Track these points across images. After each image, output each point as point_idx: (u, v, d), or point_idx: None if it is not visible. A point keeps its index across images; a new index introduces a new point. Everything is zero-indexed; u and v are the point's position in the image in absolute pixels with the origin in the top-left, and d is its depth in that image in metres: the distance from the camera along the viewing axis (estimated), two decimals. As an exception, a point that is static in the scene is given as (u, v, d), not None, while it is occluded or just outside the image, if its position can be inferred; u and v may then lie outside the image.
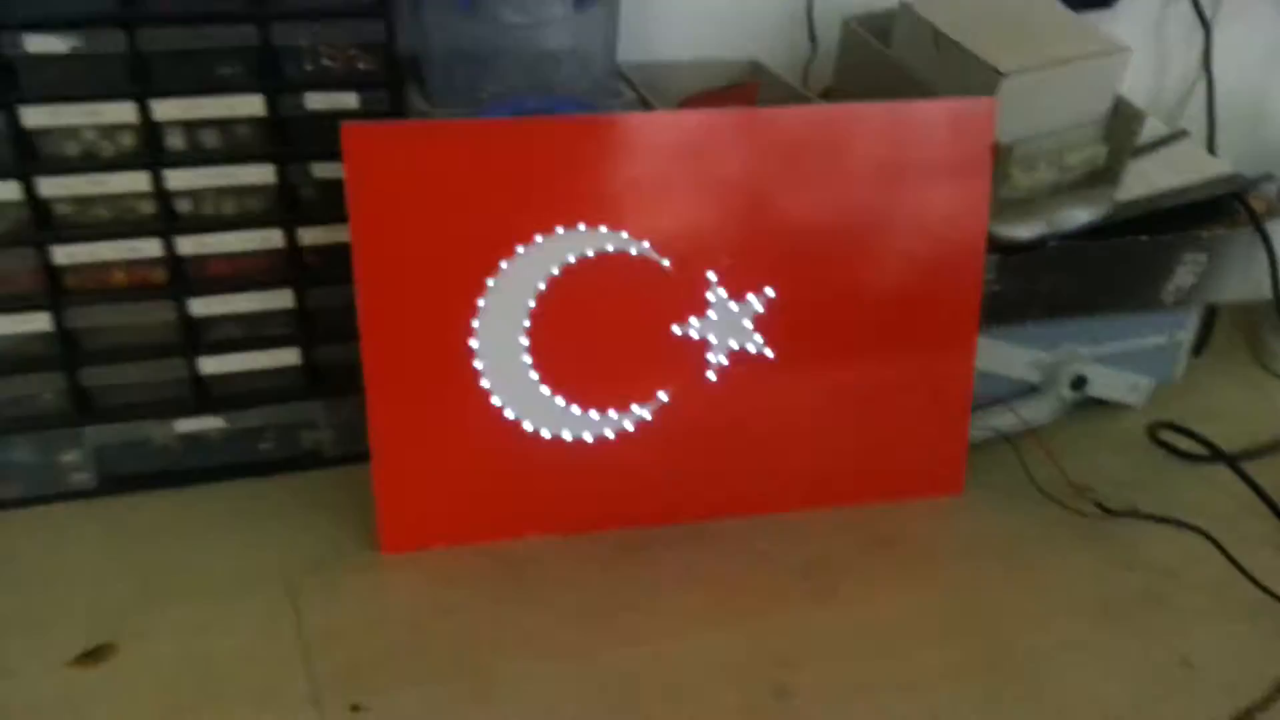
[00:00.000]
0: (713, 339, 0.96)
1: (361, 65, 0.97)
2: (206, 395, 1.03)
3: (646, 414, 0.97)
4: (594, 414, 0.96)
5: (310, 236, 1.01)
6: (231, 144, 0.97)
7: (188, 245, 0.98)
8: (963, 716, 0.80)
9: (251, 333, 1.03)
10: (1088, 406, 1.19)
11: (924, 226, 0.98)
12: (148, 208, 0.96)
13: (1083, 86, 1.03)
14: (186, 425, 1.03)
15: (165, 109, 0.93)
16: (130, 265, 0.97)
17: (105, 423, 1.01)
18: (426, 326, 0.92)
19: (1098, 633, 0.88)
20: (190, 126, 0.95)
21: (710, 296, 0.95)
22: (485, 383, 0.94)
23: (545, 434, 0.96)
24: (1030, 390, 1.17)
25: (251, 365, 1.03)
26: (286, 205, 0.99)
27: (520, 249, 0.91)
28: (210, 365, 1.02)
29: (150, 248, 0.97)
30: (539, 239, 0.91)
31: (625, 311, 0.95)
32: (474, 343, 0.92)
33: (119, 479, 1.03)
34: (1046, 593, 0.93)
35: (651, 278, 0.94)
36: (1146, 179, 1.12)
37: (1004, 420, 1.14)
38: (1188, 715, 0.80)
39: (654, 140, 0.91)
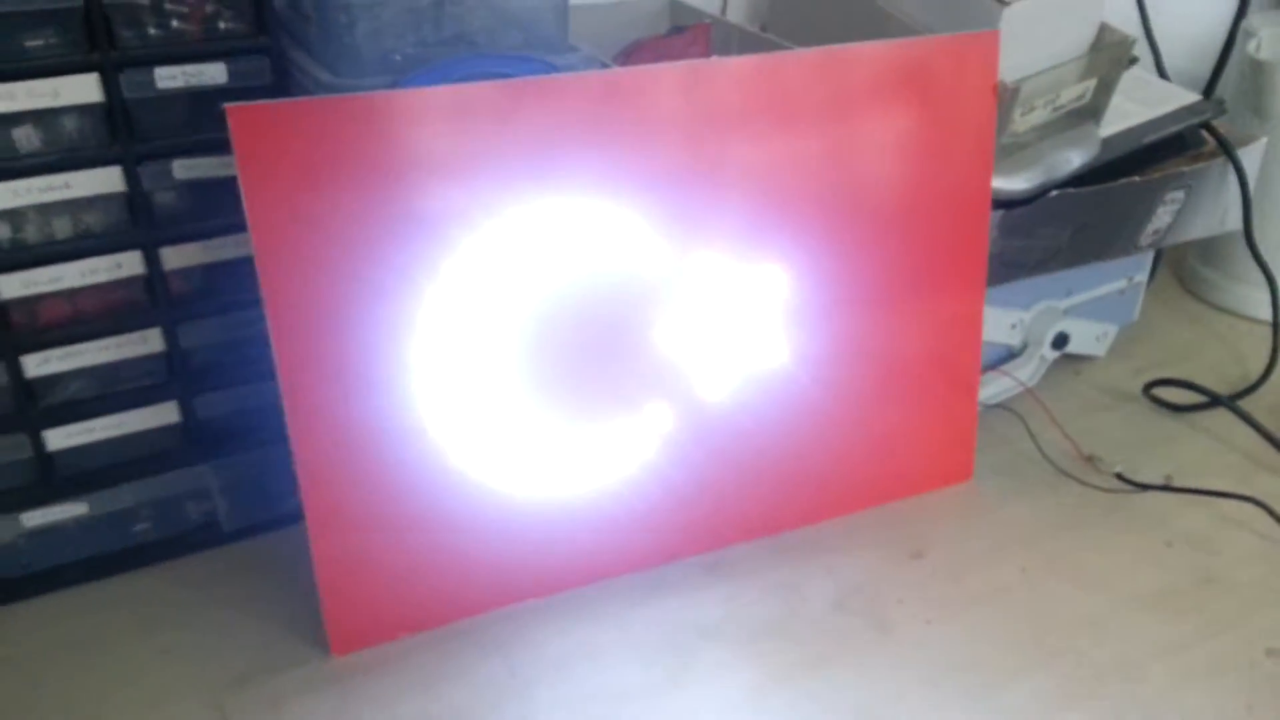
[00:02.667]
0: (713, 338, 0.80)
1: (224, 25, 0.74)
2: (59, 477, 0.78)
3: (642, 450, 0.80)
4: (574, 463, 0.78)
5: (177, 257, 0.77)
6: (58, 142, 0.71)
7: (11, 285, 0.72)
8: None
9: (110, 389, 0.79)
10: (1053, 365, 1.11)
11: (928, 183, 0.85)
12: (-53, 239, 0.71)
13: (1079, 12, 0.92)
14: (36, 518, 0.78)
15: (-42, 101, 0.68)
16: (-67, 320, 0.71)
17: (-77, 532, 0.75)
18: (362, 360, 0.70)
19: (1174, 630, 0.79)
20: (-3, 123, 0.70)
21: (708, 287, 0.78)
22: (436, 435, 0.74)
23: (519, 494, 0.77)
24: (1009, 355, 1.07)
25: (115, 431, 0.79)
26: (141, 219, 0.75)
27: (466, 244, 0.71)
28: (59, 438, 0.77)
29: (-42, 293, 0.71)
30: (489, 229, 0.71)
31: (608, 318, 0.77)
32: (416, 379, 0.72)
33: (-48, 601, 0.78)
34: (1101, 587, 0.83)
35: (638, 270, 0.76)
36: (1118, 113, 1.03)
37: (993, 390, 1.04)
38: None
39: (628, 102, 0.72)
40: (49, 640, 0.77)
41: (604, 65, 0.79)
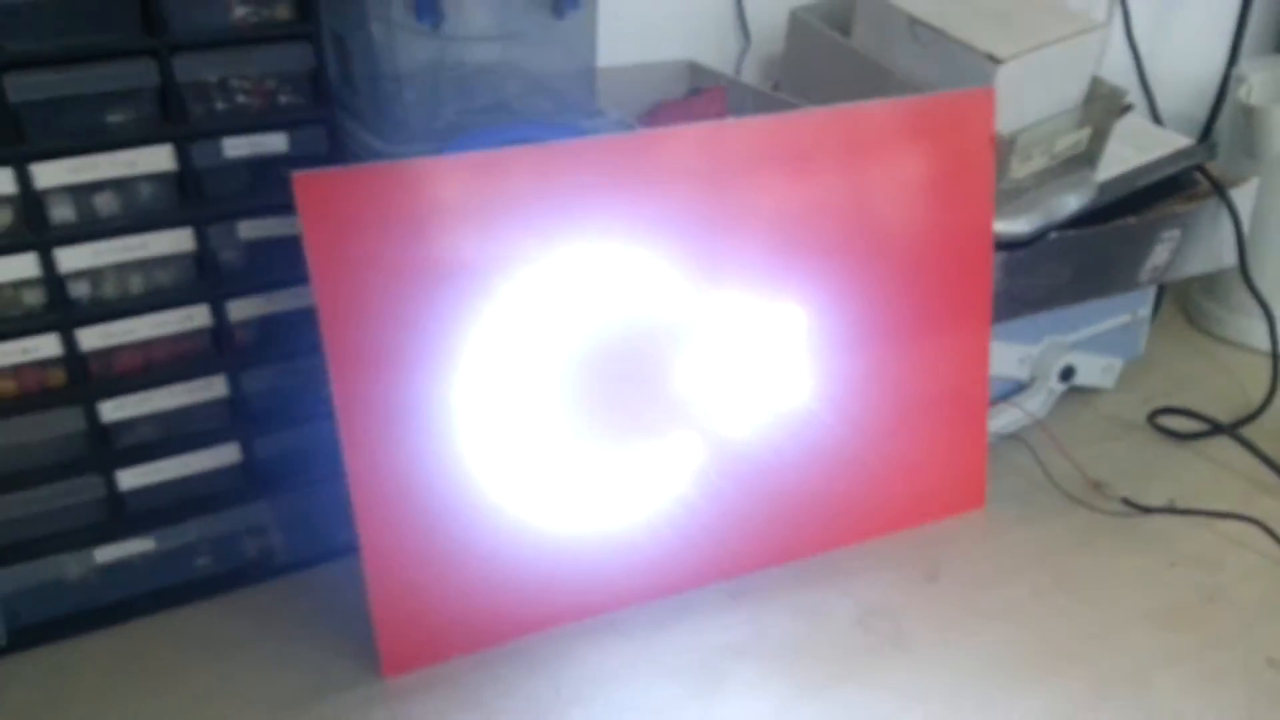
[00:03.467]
0: (737, 376, 0.86)
1: (284, 99, 0.81)
2: (129, 514, 0.85)
3: (671, 482, 0.85)
4: (609, 496, 0.84)
5: (240, 310, 0.84)
6: (135, 207, 0.79)
7: (91, 338, 0.79)
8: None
9: (177, 432, 0.85)
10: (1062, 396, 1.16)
11: (934, 229, 0.91)
12: (35, 296, 0.77)
13: (1069, 67, 0.98)
14: (108, 553, 0.85)
15: (48, 173, 0.75)
16: (20, 369, 0.78)
17: (8, 564, 0.81)
18: (413, 400, 0.77)
19: (1178, 643, 0.83)
20: (81, 191, 0.77)
21: (731, 329, 0.84)
22: (482, 471, 0.80)
23: (558, 525, 0.83)
24: (1018, 388, 1.12)
25: (181, 471, 0.85)
26: (209, 275, 0.82)
27: (506, 292, 0.77)
28: (131, 478, 0.83)
29: (45, 345, 0.78)
30: (527, 278, 0.77)
31: (638, 360, 0.83)
32: (463, 419, 0.78)
33: (32, 630, 0.84)
34: (1108, 605, 0.87)
35: (666, 314, 0.82)
36: (1114, 158, 1.09)
37: (1003, 421, 1.09)
38: (1300, 723, 0.76)
39: (653, 160, 0.79)
40: (118, 668, 0.83)
41: (629, 127, 0.85)
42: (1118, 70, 1.12)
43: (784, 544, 0.92)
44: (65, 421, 0.80)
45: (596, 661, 0.82)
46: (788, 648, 0.83)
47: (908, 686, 0.79)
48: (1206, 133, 1.40)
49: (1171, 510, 0.97)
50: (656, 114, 0.96)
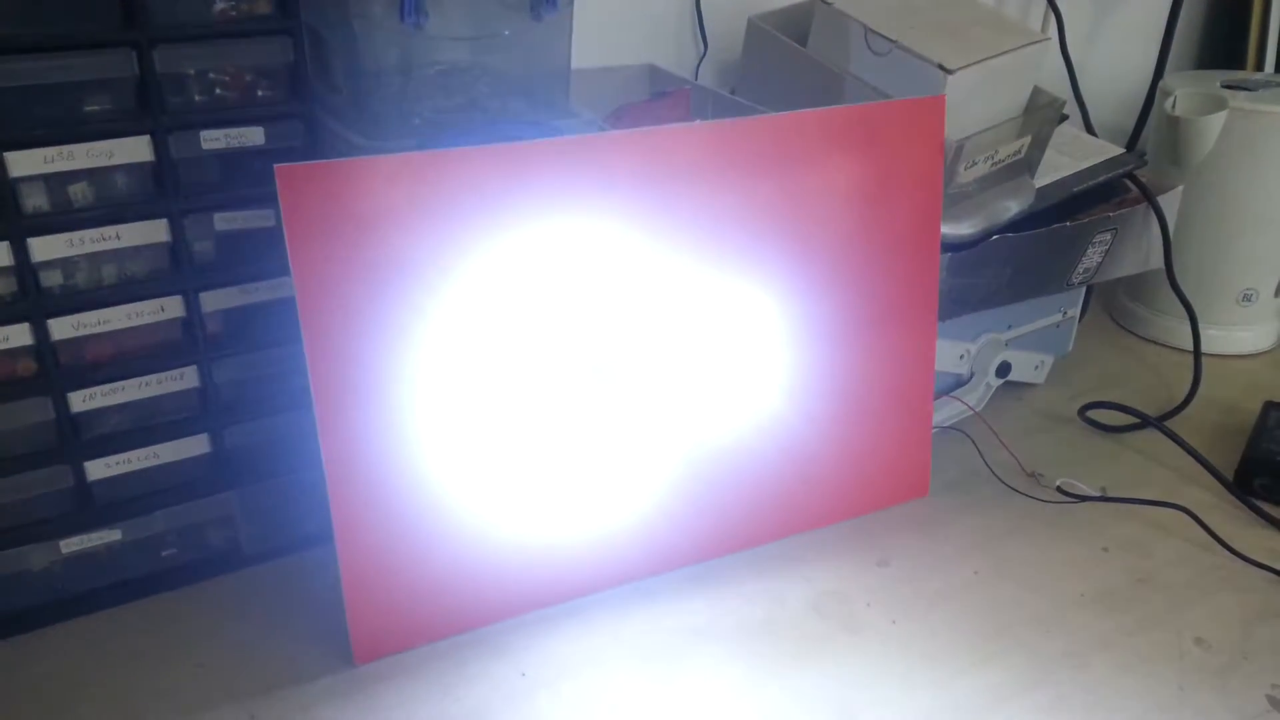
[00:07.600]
0: (698, 371, 0.89)
1: (262, 92, 0.82)
2: (97, 505, 0.85)
3: (633, 471, 0.88)
4: (573, 484, 0.87)
5: (213, 301, 0.84)
6: (109, 198, 0.79)
7: (62, 328, 0.79)
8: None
9: (148, 422, 0.85)
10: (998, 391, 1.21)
11: (885, 230, 0.95)
12: (6, 285, 0.77)
13: (1014, 78, 1.03)
14: (74, 544, 0.84)
15: (22, 161, 0.75)
16: (-11, 359, 0.78)
17: (-28, 556, 0.81)
18: (389, 391, 0.78)
19: (1112, 624, 0.88)
20: (55, 181, 0.77)
21: (692, 323, 0.87)
22: (452, 459, 0.82)
23: (524, 513, 0.85)
24: (958, 383, 1.18)
25: (151, 461, 0.85)
26: (183, 266, 0.82)
27: (482, 286, 0.79)
28: (99, 469, 0.83)
29: (15, 335, 0.78)
30: (501, 273, 0.79)
31: (606, 349, 0.85)
32: (434, 410, 0.80)
33: (-8, 623, 0.84)
34: (1046, 588, 0.92)
35: (631, 308, 0.85)
36: (1050, 165, 1.15)
37: (945, 414, 1.14)
38: (1224, 697, 0.81)
39: (623, 161, 0.82)
40: (86, 659, 0.83)
41: (600, 128, 0.88)
42: (1052, 82, 1.18)
43: (743, 532, 0.95)
44: (34, 412, 0.80)
45: (563, 646, 0.85)
46: (747, 632, 0.87)
47: (860, 670, 0.83)
48: (1133, 142, 1.47)
49: (1103, 499, 1.03)
50: (622, 115, 0.99)
